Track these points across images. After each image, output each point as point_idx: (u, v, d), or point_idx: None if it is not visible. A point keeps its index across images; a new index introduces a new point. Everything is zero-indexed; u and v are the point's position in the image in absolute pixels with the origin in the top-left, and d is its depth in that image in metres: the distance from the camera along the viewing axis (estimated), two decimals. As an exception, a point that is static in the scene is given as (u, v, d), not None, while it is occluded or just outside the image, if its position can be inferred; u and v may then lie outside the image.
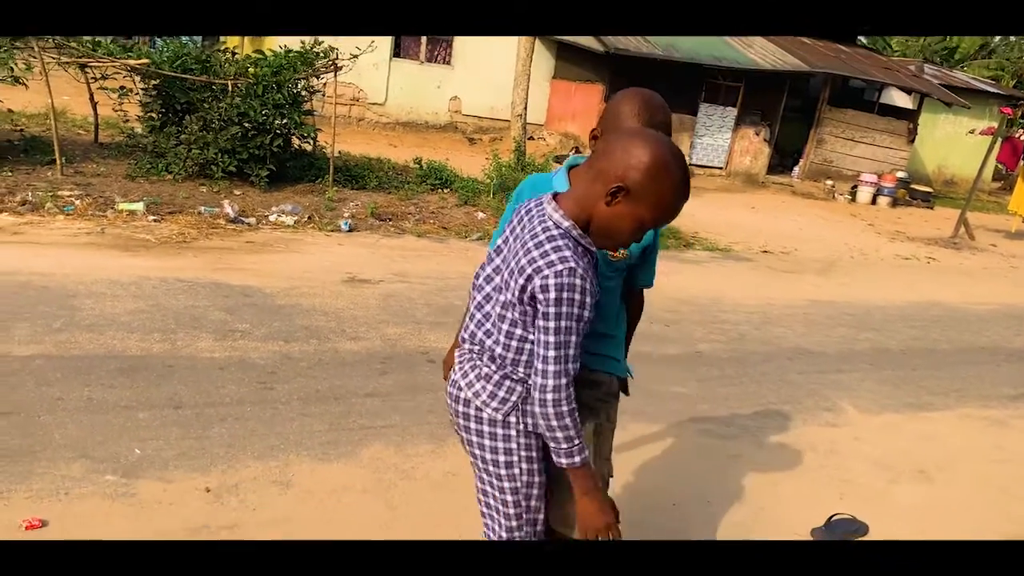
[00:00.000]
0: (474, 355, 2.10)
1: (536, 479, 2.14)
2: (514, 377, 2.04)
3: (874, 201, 17.35)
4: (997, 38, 34.34)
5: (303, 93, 10.02)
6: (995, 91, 21.63)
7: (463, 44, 17.38)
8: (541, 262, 1.87)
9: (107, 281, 5.48)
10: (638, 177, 1.85)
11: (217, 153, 9.04)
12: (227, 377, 4.33)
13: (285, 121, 9.56)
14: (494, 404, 2.06)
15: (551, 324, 1.87)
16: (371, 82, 16.91)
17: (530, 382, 1.97)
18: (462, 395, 2.10)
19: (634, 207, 1.88)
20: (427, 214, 9.33)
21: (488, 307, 2.07)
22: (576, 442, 1.94)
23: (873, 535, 3.68)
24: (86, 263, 5.82)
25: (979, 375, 6.27)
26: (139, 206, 7.56)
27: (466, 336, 2.15)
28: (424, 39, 17.17)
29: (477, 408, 2.08)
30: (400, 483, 3.57)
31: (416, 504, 3.43)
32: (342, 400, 4.26)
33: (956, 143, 21.23)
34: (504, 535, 2.19)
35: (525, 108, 11.65)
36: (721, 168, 18.11)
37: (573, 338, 1.90)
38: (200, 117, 9.09)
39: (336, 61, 9.74)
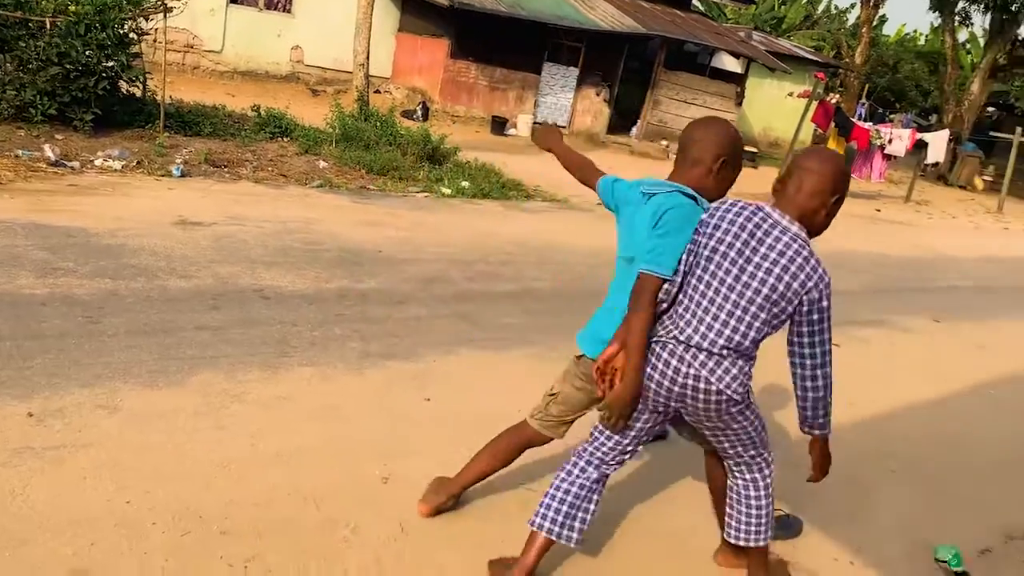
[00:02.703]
0: (724, 357, 2.49)
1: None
2: (751, 367, 2.56)
3: (705, 159, 18.38)
4: (820, 10, 36.90)
5: (131, 35, 9.55)
6: (814, 59, 23.29)
7: (304, -9, 16.92)
8: (815, 277, 2.44)
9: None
10: (843, 186, 2.51)
11: (36, 95, 8.50)
12: (50, 312, 4.23)
13: (112, 64, 9.09)
14: (741, 390, 2.53)
15: (827, 325, 2.49)
16: (207, 28, 16.19)
17: (805, 374, 2.55)
18: (712, 387, 2.49)
19: (839, 205, 2.53)
20: (265, 162, 9.18)
21: (746, 316, 2.47)
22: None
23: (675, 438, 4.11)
24: None
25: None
26: (-55, 147, 7.05)
27: (705, 340, 2.49)
28: (263, -15, 16.58)
29: (728, 397, 2.51)
30: (231, 405, 3.66)
31: (248, 423, 3.53)
32: (171, 333, 4.26)
33: (780, 106, 22.73)
34: (766, 465, 2.84)
35: (367, 58, 11.56)
36: (564, 127, 18.63)
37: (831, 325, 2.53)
38: (16, 56, 8.50)
39: (166, 2, 9.33)
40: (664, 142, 18.82)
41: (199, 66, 16.49)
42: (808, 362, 2.52)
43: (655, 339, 2.58)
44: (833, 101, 15.57)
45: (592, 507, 2.78)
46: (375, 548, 2.86)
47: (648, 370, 2.57)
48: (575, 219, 9.33)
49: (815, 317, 2.46)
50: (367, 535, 2.92)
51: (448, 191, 9.43)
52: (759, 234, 2.46)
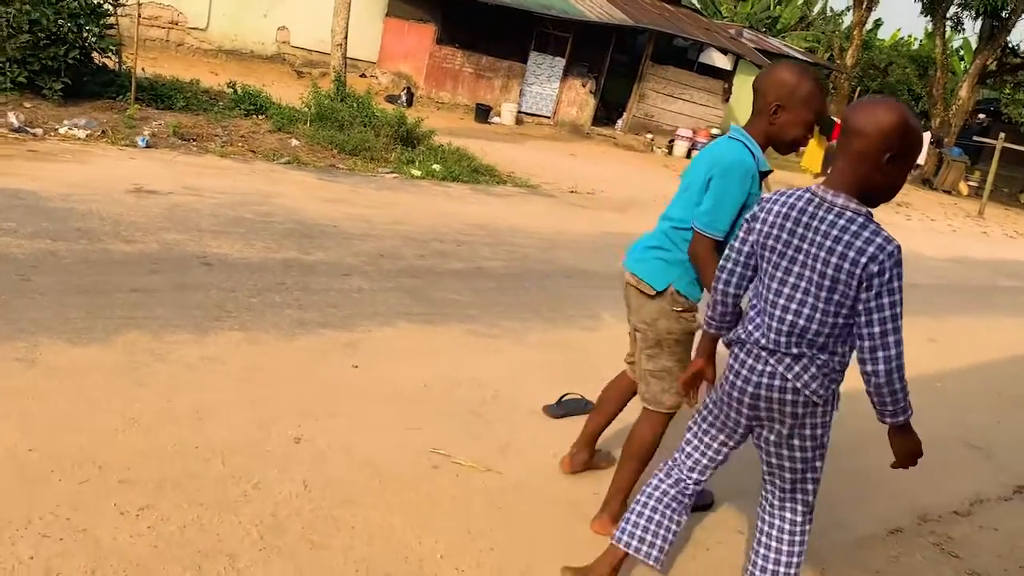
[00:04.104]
0: (796, 357, 2.34)
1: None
2: (838, 368, 2.37)
3: (689, 155, 18.39)
4: (815, 11, 36.93)
5: (106, 6, 9.52)
6: (804, 58, 23.31)
7: (292, -28, 16.88)
8: (871, 249, 2.18)
9: None
10: (897, 141, 2.19)
11: (5, 62, 8.50)
12: (-18, 269, 4.24)
13: (84, 34, 9.07)
14: (821, 391, 2.36)
15: (888, 300, 2.20)
16: (192, 6, 16.16)
17: (863, 357, 2.26)
18: (788, 385, 2.36)
19: (901, 168, 2.25)
20: (236, 137, 9.18)
21: (805, 310, 2.31)
22: (909, 399, 2.30)
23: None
24: None
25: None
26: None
27: (772, 343, 2.37)
28: (251, -36, 16.53)
29: (807, 398, 2.36)
30: (153, 364, 3.68)
31: (167, 382, 3.55)
32: (105, 294, 4.27)
33: (767, 106, 22.74)
34: (806, 505, 2.60)
35: (345, 39, 11.54)
36: (549, 117, 18.65)
37: (901, 309, 2.24)
38: (-15, 23, 8.47)
39: (140, -27, 9.30)
40: (649, 135, 18.86)
41: (183, 43, 16.44)
42: (867, 343, 2.23)
43: (735, 340, 2.50)
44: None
45: (674, 526, 2.66)
46: (274, 503, 2.88)
47: (725, 371, 2.52)
48: (541, 204, 9.34)
49: (873, 292, 2.19)
50: (268, 491, 2.95)
51: (418, 173, 9.43)
52: (805, 219, 2.28)
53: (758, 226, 2.39)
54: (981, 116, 29.29)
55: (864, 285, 2.19)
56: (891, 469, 2.45)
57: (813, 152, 15.81)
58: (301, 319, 4.48)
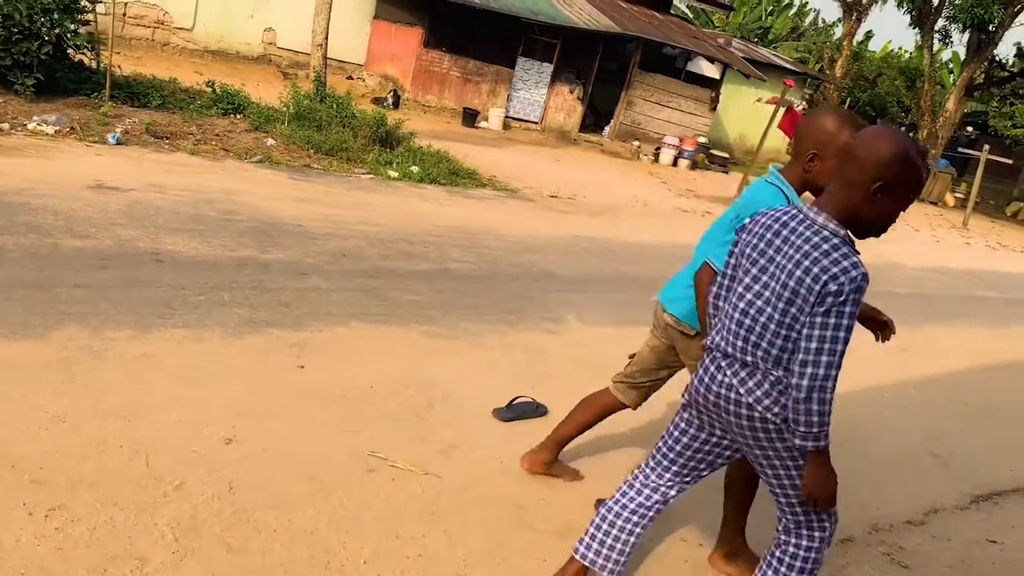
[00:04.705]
0: (748, 365, 2.31)
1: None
2: (788, 382, 2.26)
3: (675, 163, 18.39)
4: (807, 22, 37.07)
5: (83, 2, 9.43)
6: (792, 68, 23.34)
7: (279, -27, 16.81)
8: (835, 269, 2.12)
9: None
10: (890, 173, 2.14)
11: (-25, 57, 8.40)
12: (-78, 262, 4.14)
13: (58, 29, 8.97)
14: (776, 409, 2.29)
15: (833, 321, 2.12)
16: (178, 5, 16.05)
17: (793, 368, 2.19)
18: (742, 400, 2.32)
19: (892, 201, 2.19)
20: (211, 136, 9.08)
21: (761, 318, 2.28)
22: (828, 428, 2.20)
23: (552, 416, 4.05)
24: None
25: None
26: None
27: (731, 346, 2.35)
28: (237, -35, 16.45)
29: (761, 415, 2.30)
30: (88, 361, 3.58)
31: (100, 379, 3.45)
32: (47, 289, 4.18)
33: (757, 114, 22.68)
34: (811, 530, 2.51)
35: (326, 39, 11.49)
36: (536, 123, 18.59)
37: (847, 335, 2.15)
38: (-45, 17, 8.37)
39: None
40: (636, 142, 18.81)
41: (169, 43, 16.34)
42: (800, 355, 2.16)
43: (706, 346, 2.49)
44: (799, 108, 15.56)
45: (632, 539, 2.59)
46: (194, 505, 2.79)
47: (693, 378, 2.50)
48: (518, 208, 9.27)
49: (823, 309, 2.13)
50: (190, 492, 2.85)
51: (395, 174, 9.35)
52: (785, 232, 2.26)
53: (744, 236, 2.40)
54: (969, 129, 29.36)
55: (817, 301, 2.15)
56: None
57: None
58: (250, 318, 4.39)
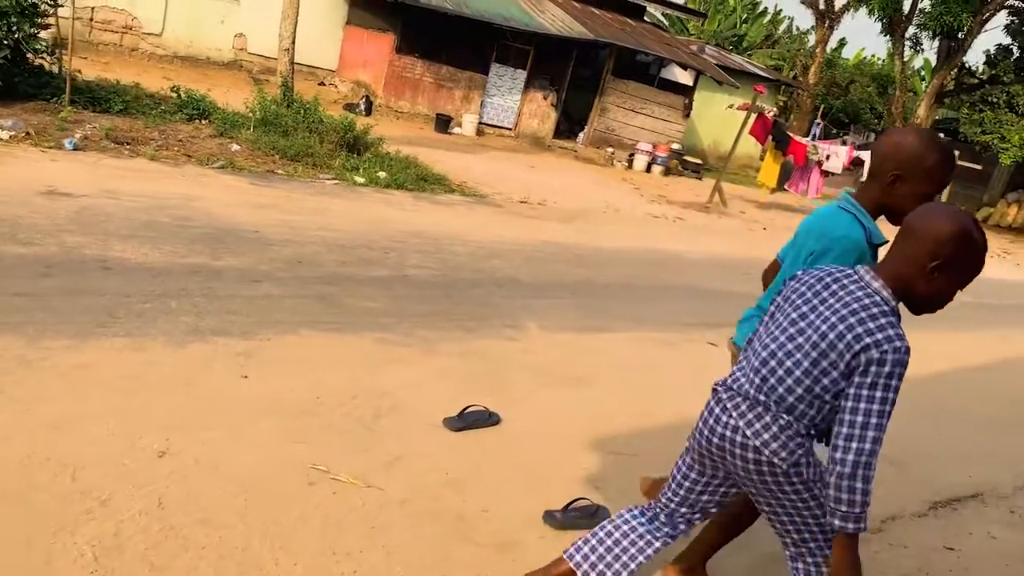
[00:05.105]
0: (759, 405, 2.25)
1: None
2: (803, 432, 2.22)
3: (648, 169, 18.41)
4: (781, 30, 37.33)
5: (43, 6, 9.26)
6: (765, 75, 23.47)
7: (249, -22, 16.67)
8: (879, 335, 2.06)
9: None
10: (947, 251, 2.10)
11: (-71, 60, 8.22)
12: None
13: (17, 33, 8.81)
14: (783, 454, 2.22)
15: (880, 395, 2.06)
16: (147, 10, 15.89)
17: (837, 443, 2.08)
18: (749, 443, 2.25)
19: (949, 280, 2.14)
20: (173, 141, 8.94)
21: (788, 361, 2.22)
22: (867, 509, 2.08)
23: (505, 425, 3.98)
24: None
25: (668, 307, 6.89)
26: None
27: (748, 382, 2.29)
28: (207, -31, 16.30)
29: (768, 459, 2.23)
30: (19, 371, 3.45)
31: (31, 389, 3.33)
32: (-16, 297, 4.05)
33: (730, 121, 22.75)
34: (811, 554, 2.40)
35: (293, 43, 11.39)
36: (510, 129, 18.56)
37: (891, 409, 2.07)
38: (-92, 19, 8.20)
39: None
40: (610, 149, 18.82)
41: (138, 48, 16.16)
42: (844, 429, 2.08)
43: (715, 385, 2.42)
44: (770, 114, 15.61)
45: (633, 564, 2.48)
46: (119, 521, 2.68)
47: (698, 418, 2.42)
48: (485, 213, 9.19)
49: (868, 380, 2.06)
50: (116, 508, 2.74)
51: (361, 180, 9.25)
52: (835, 287, 2.22)
53: (792, 283, 2.36)
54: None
55: (860, 370, 2.09)
56: None
57: (769, 167, 15.81)
58: (196, 327, 4.27)
